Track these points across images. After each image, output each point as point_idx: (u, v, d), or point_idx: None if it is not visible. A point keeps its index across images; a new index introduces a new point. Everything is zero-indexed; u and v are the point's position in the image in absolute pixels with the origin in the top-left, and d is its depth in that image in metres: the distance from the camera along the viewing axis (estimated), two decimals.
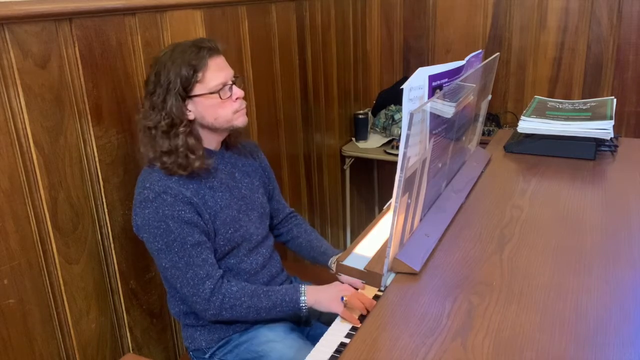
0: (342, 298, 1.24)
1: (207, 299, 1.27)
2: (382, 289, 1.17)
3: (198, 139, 1.31)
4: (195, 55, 1.25)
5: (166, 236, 1.25)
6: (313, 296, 1.30)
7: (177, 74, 1.24)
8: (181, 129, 1.26)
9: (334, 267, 1.47)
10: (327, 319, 1.33)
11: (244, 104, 1.34)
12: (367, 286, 1.28)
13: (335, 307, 1.24)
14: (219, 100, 1.28)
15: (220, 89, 1.28)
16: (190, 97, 1.27)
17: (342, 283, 1.34)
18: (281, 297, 1.31)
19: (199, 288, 1.27)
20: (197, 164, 1.28)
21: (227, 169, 1.41)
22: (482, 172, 1.72)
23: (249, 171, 1.47)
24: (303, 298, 1.30)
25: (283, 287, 1.33)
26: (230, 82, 1.30)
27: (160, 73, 1.25)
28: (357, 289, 1.31)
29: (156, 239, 1.26)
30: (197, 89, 1.27)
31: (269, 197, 1.56)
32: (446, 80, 1.25)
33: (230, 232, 1.35)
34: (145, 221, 1.26)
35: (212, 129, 1.33)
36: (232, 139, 1.43)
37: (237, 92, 1.32)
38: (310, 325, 1.47)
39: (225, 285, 1.30)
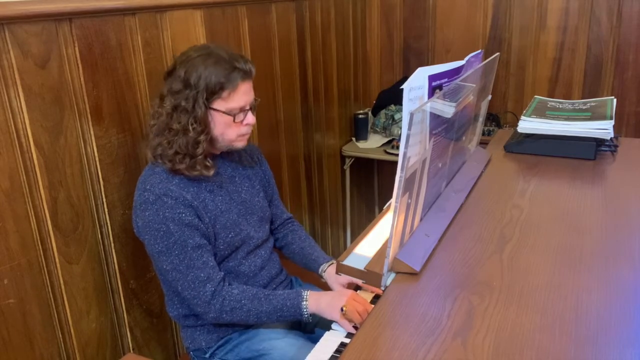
0: (341, 309, 1.21)
1: (208, 301, 1.27)
2: (382, 289, 1.17)
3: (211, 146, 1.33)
4: (228, 74, 1.24)
5: (167, 239, 1.25)
6: (315, 302, 1.27)
7: (206, 84, 1.24)
8: (202, 137, 1.26)
9: (324, 275, 1.46)
10: (325, 323, 1.32)
11: (250, 129, 1.34)
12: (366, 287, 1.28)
13: (336, 315, 1.22)
14: (230, 121, 1.29)
15: (237, 112, 1.28)
16: (208, 108, 1.27)
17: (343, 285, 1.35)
18: (282, 302, 1.29)
19: (199, 291, 1.27)
20: (211, 171, 1.29)
21: (228, 172, 1.41)
22: (482, 172, 1.72)
23: (249, 175, 1.46)
24: (305, 303, 1.28)
25: (285, 292, 1.32)
26: (248, 107, 1.31)
27: (191, 75, 1.24)
28: (359, 287, 1.30)
29: (157, 242, 1.26)
30: (217, 104, 1.27)
31: (268, 201, 1.56)
32: (446, 80, 1.25)
33: (230, 235, 1.35)
34: (146, 223, 1.25)
35: (214, 141, 1.33)
36: None
37: (250, 118, 1.32)
38: (313, 333, 1.45)
39: (226, 288, 1.29)
